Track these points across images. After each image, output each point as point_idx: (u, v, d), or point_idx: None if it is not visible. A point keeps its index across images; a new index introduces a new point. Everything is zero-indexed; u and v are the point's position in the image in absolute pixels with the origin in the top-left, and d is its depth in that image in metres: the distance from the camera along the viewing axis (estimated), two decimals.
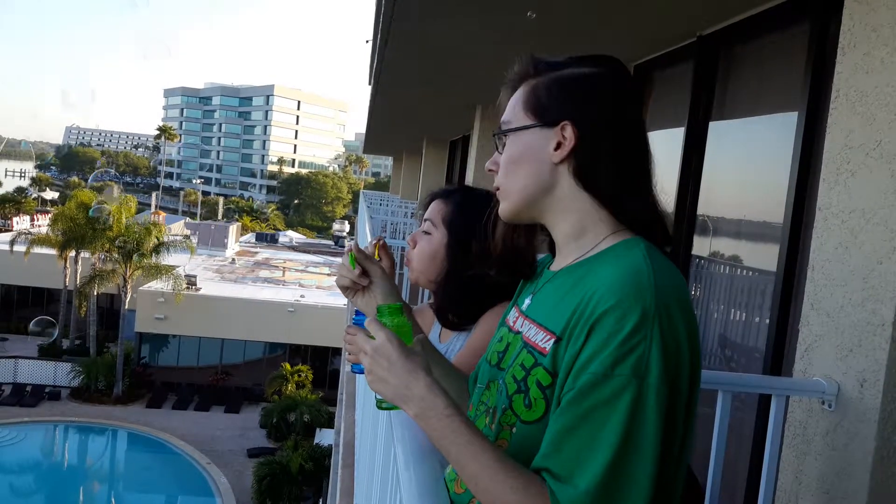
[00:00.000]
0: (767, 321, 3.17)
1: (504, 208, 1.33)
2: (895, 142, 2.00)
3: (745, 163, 3.80)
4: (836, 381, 2.11)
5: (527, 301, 1.34)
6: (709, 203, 3.99)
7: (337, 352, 28.78)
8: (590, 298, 1.10)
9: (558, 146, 1.24)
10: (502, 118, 1.33)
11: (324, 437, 24.60)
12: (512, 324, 1.35)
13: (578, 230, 1.26)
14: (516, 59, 1.34)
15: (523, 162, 1.27)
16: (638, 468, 1.03)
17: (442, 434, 1.12)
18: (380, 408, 1.30)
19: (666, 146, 4.47)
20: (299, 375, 30.06)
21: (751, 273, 3.62)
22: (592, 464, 1.03)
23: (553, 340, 1.16)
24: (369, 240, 1.73)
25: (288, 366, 30.43)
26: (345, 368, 7.49)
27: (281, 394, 29.21)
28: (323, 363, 32.38)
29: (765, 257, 3.31)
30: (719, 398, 2.15)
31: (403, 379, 1.16)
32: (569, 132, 1.23)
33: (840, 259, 2.17)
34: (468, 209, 1.99)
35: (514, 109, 1.31)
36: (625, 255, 1.17)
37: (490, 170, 1.35)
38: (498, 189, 1.33)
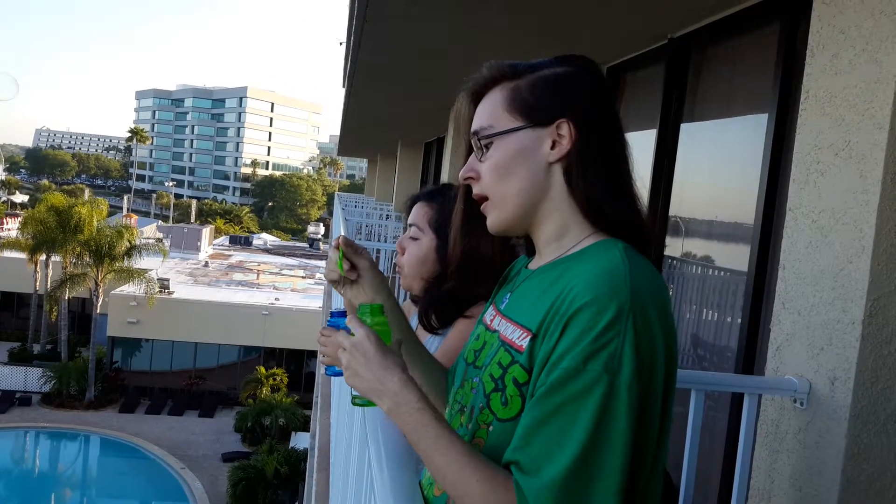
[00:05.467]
0: (739, 320, 3.19)
1: (497, 219, 1.28)
2: (864, 142, 2.02)
3: (717, 164, 3.83)
4: (808, 380, 2.13)
5: (504, 300, 1.34)
6: (681, 204, 4.01)
7: (312, 355, 28.66)
8: (566, 295, 1.10)
9: (553, 145, 1.23)
10: (477, 124, 1.29)
11: (299, 440, 24.52)
12: (489, 322, 1.34)
13: (561, 231, 1.26)
14: (481, 66, 1.31)
15: (517, 166, 1.24)
16: (606, 464, 1.03)
17: (413, 428, 1.14)
18: (354, 403, 1.31)
19: (638, 148, 4.47)
20: (274, 379, 29.92)
21: (723, 273, 3.65)
22: (560, 457, 1.03)
23: (529, 337, 1.15)
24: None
25: (263, 369, 30.26)
26: (320, 371, 7.45)
27: (256, 397, 29.04)
28: (298, 366, 32.26)
29: (736, 257, 3.34)
30: (692, 397, 2.17)
31: (378, 374, 1.18)
32: (565, 129, 1.22)
33: (810, 258, 2.19)
34: (453, 209, 1.99)
35: (493, 113, 1.27)
36: (603, 254, 1.17)
37: (468, 177, 1.30)
38: (486, 199, 1.29)
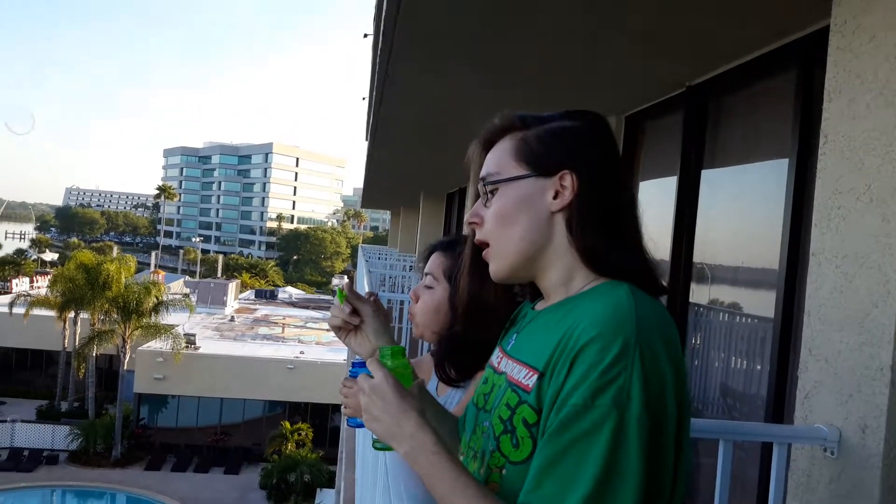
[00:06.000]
0: (768, 368, 3.15)
1: (499, 266, 1.31)
2: (884, 186, 2.01)
3: (739, 210, 3.82)
4: (838, 428, 2.09)
5: (511, 341, 1.35)
6: (704, 251, 3.99)
7: (337, 408, 28.44)
8: (572, 332, 1.11)
9: (556, 195, 1.25)
10: (486, 170, 1.32)
11: (325, 497, 24.23)
12: (496, 364, 1.35)
13: (566, 278, 1.26)
14: (495, 116, 1.34)
15: (519, 213, 1.26)
16: (620, 500, 1.01)
17: (430, 472, 1.14)
18: (374, 447, 1.32)
19: (659, 195, 4.49)
20: (299, 434, 29.76)
21: (749, 320, 3.60)
22: (573, 497, 1.02)
23: (536, 376, 1.15)
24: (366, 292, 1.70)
25: (287, 424, 30.14)
26: (344, 426, 7.41)
27: (281, 453, 28.87)
28: (323, 421, 32.07)
29: (762, 304, 3.30)
30: (720, 447, 2.12)
31: (395, 417, 1.19)
32: (568, 181, 1.24)
33: (836, 304, 2.16)
34: None
35: (501, 161, 1.30)
36: (609, 292, 1.17)
37: (472, 222, 1.33)
38: (486, 245, 1.31)
